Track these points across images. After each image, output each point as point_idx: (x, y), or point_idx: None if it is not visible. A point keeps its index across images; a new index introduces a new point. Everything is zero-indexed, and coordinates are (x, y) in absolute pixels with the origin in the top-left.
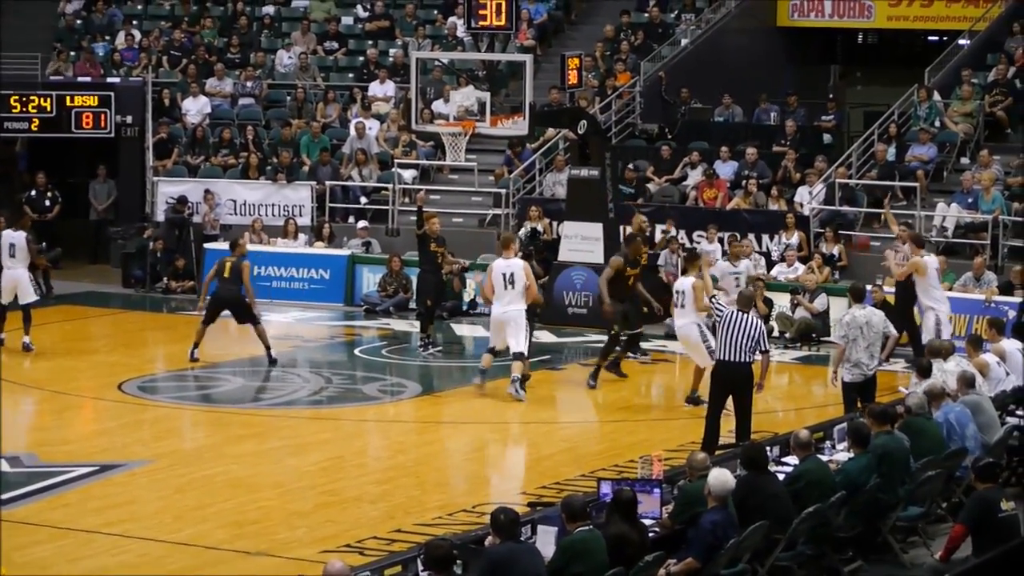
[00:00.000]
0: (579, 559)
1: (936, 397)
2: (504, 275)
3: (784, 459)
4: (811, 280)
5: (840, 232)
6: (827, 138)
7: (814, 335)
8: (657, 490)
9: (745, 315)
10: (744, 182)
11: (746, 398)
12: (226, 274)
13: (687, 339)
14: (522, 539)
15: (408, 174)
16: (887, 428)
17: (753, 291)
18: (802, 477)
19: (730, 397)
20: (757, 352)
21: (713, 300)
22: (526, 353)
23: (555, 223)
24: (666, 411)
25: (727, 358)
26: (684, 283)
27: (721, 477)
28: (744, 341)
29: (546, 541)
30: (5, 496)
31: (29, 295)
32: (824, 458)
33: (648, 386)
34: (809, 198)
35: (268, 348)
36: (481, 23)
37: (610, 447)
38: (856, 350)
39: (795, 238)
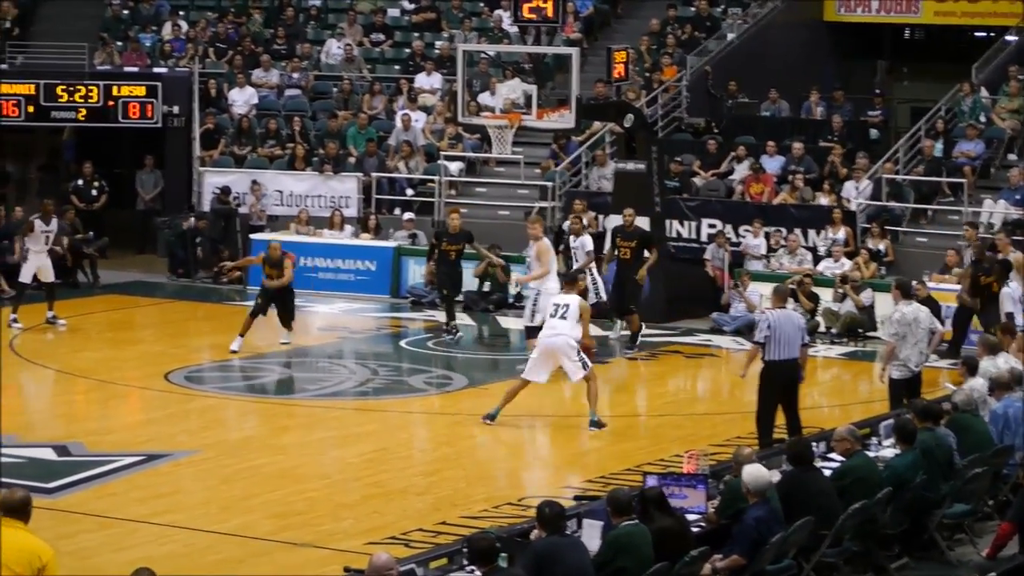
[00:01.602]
0: (625, 553)
1: (1002, 386)
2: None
3: (830, 455)
4: (856, 275)
5: (887, 228)
6: (874, 133)
7: (860, 330)
8: (702, 485)
9: (785, 311)
10: (790, 177)
11: (795, 394)
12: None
13: (566, 354)
14: (567, 533)
15: (454, 166)
16: (929, 425)
17: (788, 287)
18: (848, 473)
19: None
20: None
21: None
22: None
23: (601, 216)
24: (712, 405)
25: (776, 357)
26: (570, 299)
27: (755, 472)
28: (790, 337)
29: (591, 535)
30: (53, 484)
31: (51, 275)
32: (870, 454)
33: (694, 380)
34: (856, 193)
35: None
36: (528, 16)
37: (655, 441)
38: (905, 347)
39: (841, 233)
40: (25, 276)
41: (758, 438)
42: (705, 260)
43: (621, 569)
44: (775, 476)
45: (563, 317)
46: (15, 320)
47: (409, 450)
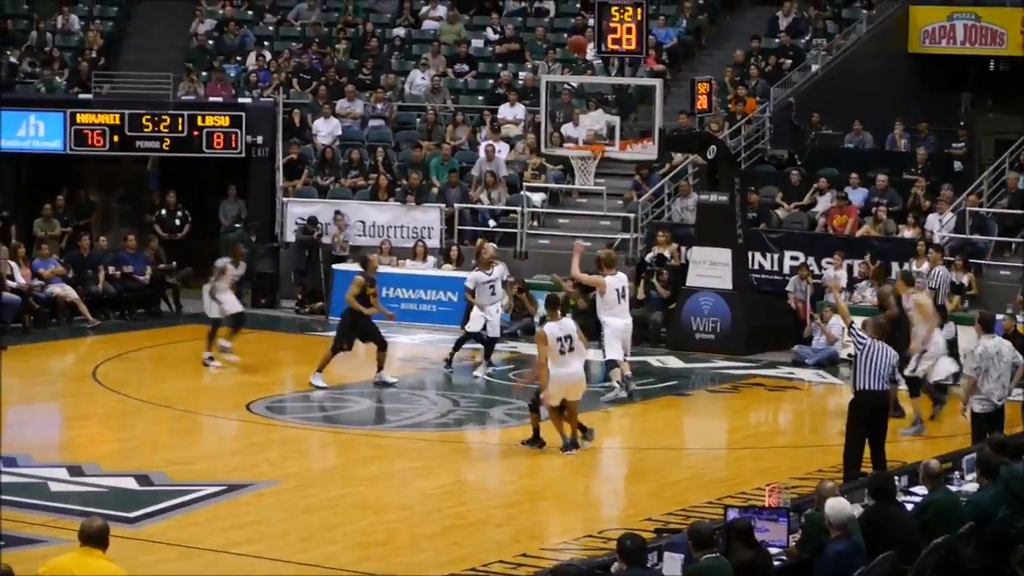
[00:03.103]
0: None
1: None
2: (618, 290)
3: (912, 489)
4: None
5: (970, 261)
6: (958, 166)
7: None
8: (784, 519)
9: (882, 344)
10: (874, 209)
11: (883, 427)
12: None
13: (581, 383)
14: (648, 566)
15: (537, 197)
16: (1006, 459)
17: (887, 322)
18: (930, 507)
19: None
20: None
21: (852, 330)
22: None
23: (683, 248)
24: (794, 438)
25: (868, 387)
26: (569, 327)
27: (837, 506)
28: (883, 370)
29: (672, 568)
30: (135, 514)
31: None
32: (953, 489)
33: (775, 413)
34: (939, 226)
35: (380, 369)
36: (611, 47)
37: (736, 474)
38: (987, 381)
39: (926, 266)
40: (231, 306)
41: (844, 471)
42: (787, 292)
43: None
44: (857, 510)
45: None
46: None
47: (489, 481)
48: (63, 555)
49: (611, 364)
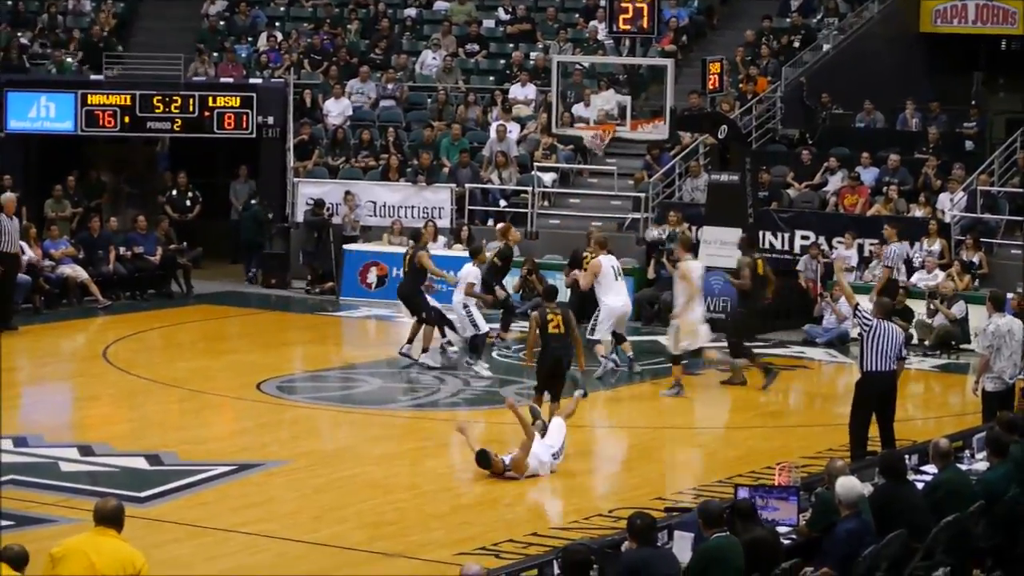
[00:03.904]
0: (716, 566)
1: None
2: (613, 267)
3: (922, 468)
4: (948, 287)
5: (981, 240)
6: (969, 145)
7: (953, 343)
8: (794, 497)
9: (888, 324)
10: (885, 188)
11: (890, 407)
12: (404, 267)
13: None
14: (659, 544)
15: (548, 177)
16: (1016, 438)
17: (891, 301)
18: (941, 486)
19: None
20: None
21: (858, 311)
22: None
23: (694, 228)
24: (804, 417)
25: (875, 368)
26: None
27: (848, 484)
28: (890, 350)
29: (683, 547)
30: (145, 493)
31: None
32: (963, 467)
33: (786, 392)
34: (950, 205)
35: (410, 342)
36: (623, 27)
37: (747, 453)
38: (999, 359)
39: (937, 245)
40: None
41: (850, 451)
42: (798, 272)
43: None
44: (867, 489)
45: None
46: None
47: None
48: (77, 535)
49: (594, 341)
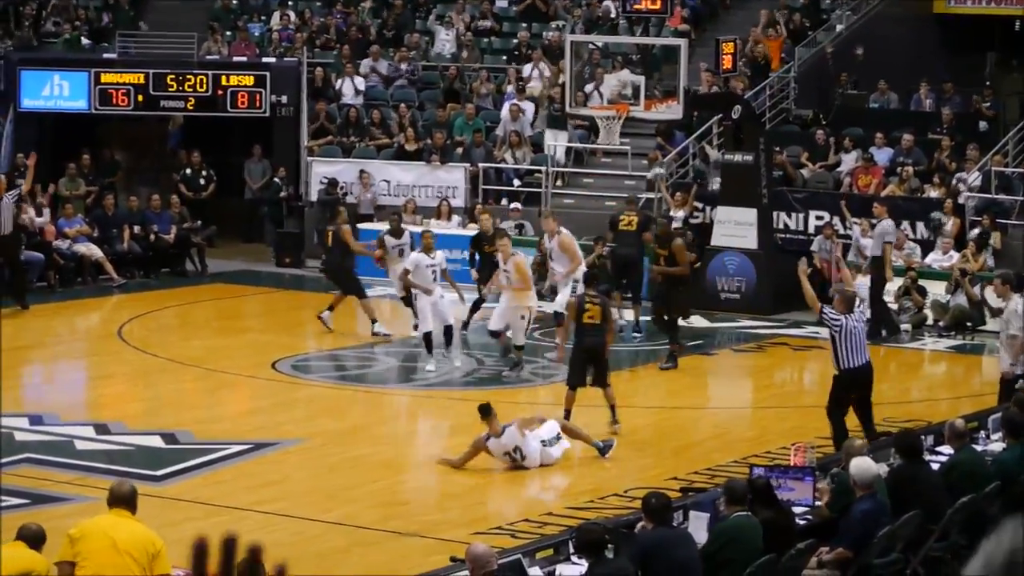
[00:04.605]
0: (734, 544)
1: None
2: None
3: (938, 448)
4: (970, 267)
5: (996, 220)
6: (983, 126)
7: (968, 324)
8: (809, 478)
9: (852, 317)
10: (899, 169)
11: (868, 399)
12: (328, 243)
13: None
14: (675, 525)
15: (561, 147)
16: None
17: (853, 292)
18: (956, 467)
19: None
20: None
21: (824, 315)
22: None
23: (708, 208)
24: (819, 398)
25: (852, 365)
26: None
27: (862, 465)
28: (860, 343)
29: (698, 527)
30: (161, 472)
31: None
32: (978, 448)
33: (800, 372)
34: (964, 186)
35: (374, 322)
36: (635, 6)
37: (762, 433)
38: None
39: (950, 225)
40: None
41: (834, 441)
42: (812, 252)
43: (729, 560)
44: (883, 469)
45: None
46: None
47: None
48: (95, 517)
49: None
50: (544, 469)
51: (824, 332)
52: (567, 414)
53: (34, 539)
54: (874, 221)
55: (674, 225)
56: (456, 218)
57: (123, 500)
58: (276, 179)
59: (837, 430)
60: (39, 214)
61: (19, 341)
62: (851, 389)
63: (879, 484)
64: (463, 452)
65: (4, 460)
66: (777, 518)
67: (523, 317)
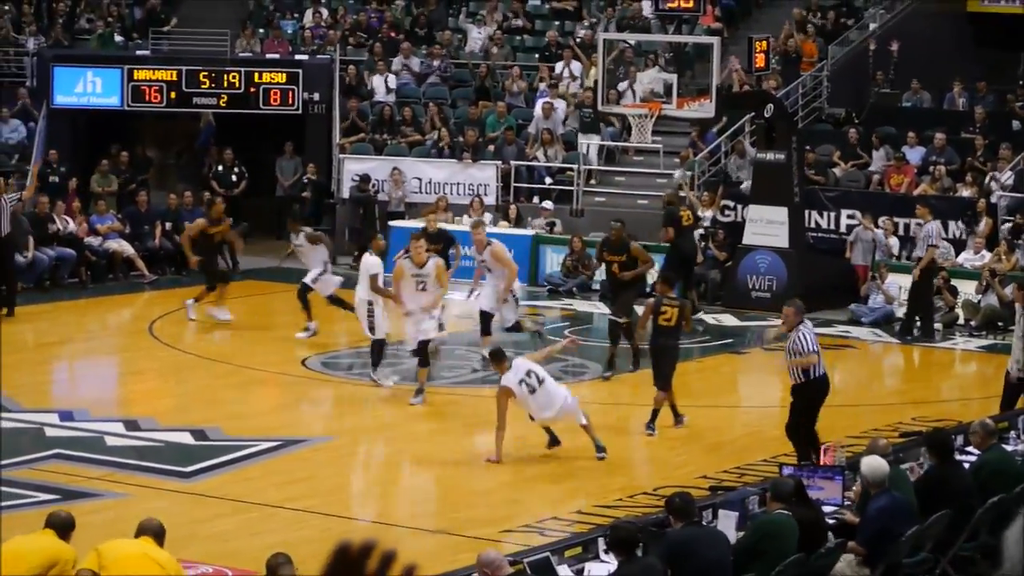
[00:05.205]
0: (770, 539)
1: None
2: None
3: (967, 448)
4: (1001, 267)
5: None
6: (1016, 125)
7: (999, 323)
8: (839, 477)
9: (806, 327)
10: (931, 168)
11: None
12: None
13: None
14: (704, 524)
15: (594, 146)
16: None
17: (802, 306)
18: (985, 467)
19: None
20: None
21: (799, 339)
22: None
23: (740, 206)
24: (849, 397)
25: (823, 371)
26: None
27: (873, 464)
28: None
29: (727, 525)
30: (190, 468)
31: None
32: (1008, 448)
33: (831, 371)
34: (997, 185)
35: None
36: (668, 5)
37: None
38: None
39: (983, 225)
40: None
41: (798, 454)
42: (850, 243)
43: (763, 552)
44: (914, 468)
45: None
46: None
47: (544, 439)
48: (127, 540)
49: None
50: (573, 467)
51: (855, 331)
52: (654, 414)
53: (63, 526)
54: (901, 221)
55: (704, 225)
56: (488, 215)
57: (154, 532)
58: (306, 177)
59: (811, 443)
60: (70, 214)
61: (50, 337)
62: (816, 398)
63: (901, 482)
64: (496, 413)
65: (34, 456)
66: (809, 516)
67: (507, 301)
